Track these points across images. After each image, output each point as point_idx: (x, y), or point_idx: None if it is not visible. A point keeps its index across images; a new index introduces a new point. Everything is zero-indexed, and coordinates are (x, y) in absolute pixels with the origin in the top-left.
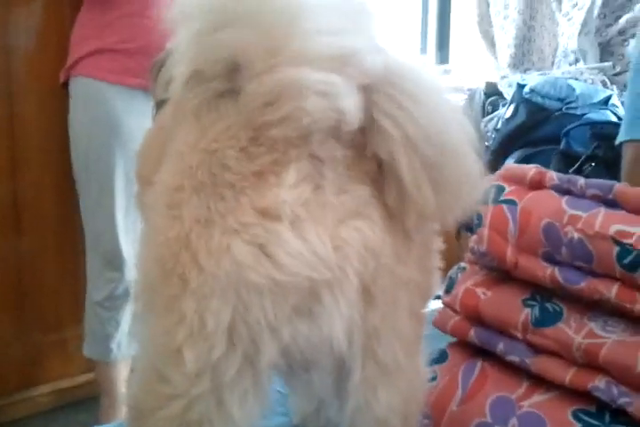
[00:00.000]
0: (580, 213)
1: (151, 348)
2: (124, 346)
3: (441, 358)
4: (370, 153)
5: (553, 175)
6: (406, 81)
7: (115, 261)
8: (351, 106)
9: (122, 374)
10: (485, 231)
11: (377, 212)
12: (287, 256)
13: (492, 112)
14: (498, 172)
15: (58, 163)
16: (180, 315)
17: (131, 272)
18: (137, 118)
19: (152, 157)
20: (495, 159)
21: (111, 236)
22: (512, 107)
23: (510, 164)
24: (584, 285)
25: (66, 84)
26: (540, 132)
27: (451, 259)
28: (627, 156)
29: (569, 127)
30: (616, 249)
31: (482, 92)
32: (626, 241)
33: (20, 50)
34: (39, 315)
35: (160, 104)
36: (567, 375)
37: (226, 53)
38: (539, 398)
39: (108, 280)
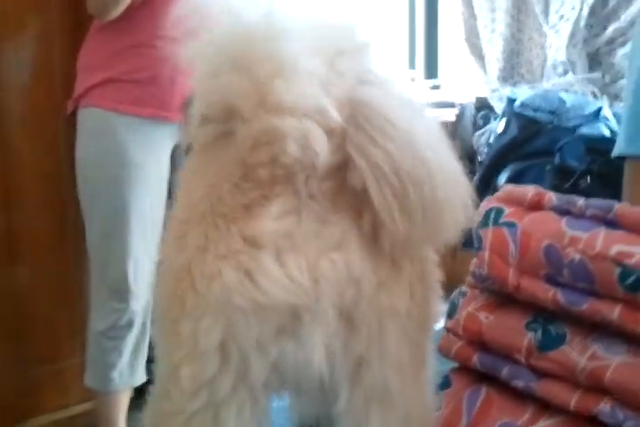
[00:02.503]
0: (580, 233)
1: (159, 369)
2: (126, 375)
3: (444, 384)
4: (349, 185)
5: (552, 196)
6: (378, 115)
7: (121, 292)
8: (324, 148)
9: (122, 404)
10: (486, 254)
11: (357, 241)
12: (268, 282)
13: (484, 126)
14: (496, 193)
15: (52, 192)
16: (179, 336)
17: (136, 303)
18: (146, 148)
19: None
20: (488, 174)
21: (119, 267)
22: (503, 121)
23: (508, 185)
24: (586, 306)
25: (73, 114)
26: (532, 146)
27: (448, 276)
28: (628, 174)
29: (563, 142)
30: (617, 270)
31: (473, 107)
32: (627, 262)
33: (11, 81)
34: (35, 346)
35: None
36: (572, 400)
37: (220, 98)
38: (544, 423)
39: (112, 311)
